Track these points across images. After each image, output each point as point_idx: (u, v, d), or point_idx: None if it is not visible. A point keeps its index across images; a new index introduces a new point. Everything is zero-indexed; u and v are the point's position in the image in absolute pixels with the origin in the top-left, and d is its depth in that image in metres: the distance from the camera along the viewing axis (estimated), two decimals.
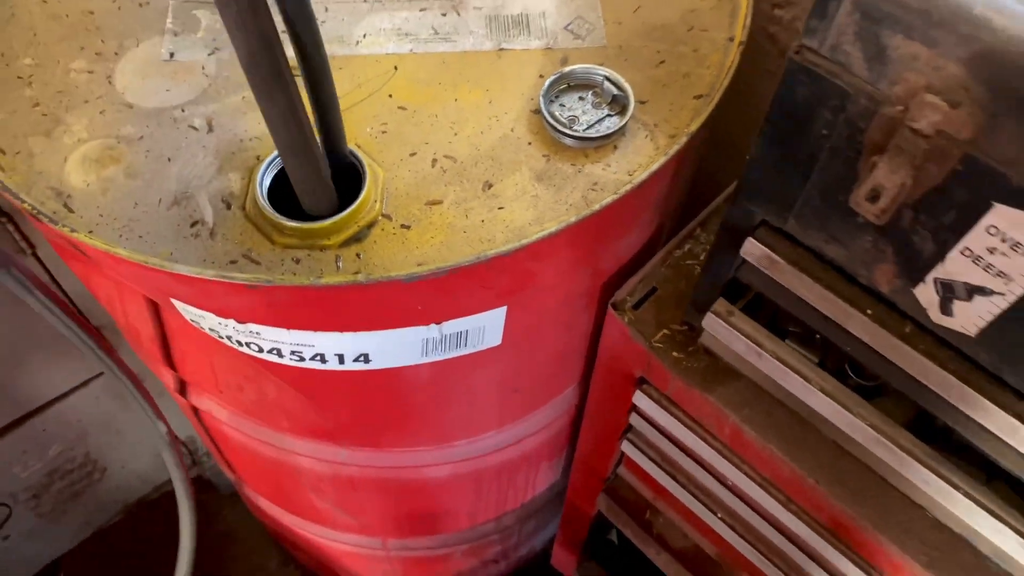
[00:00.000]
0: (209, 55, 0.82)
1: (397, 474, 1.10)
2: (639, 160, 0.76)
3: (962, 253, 0.55)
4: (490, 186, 0.74)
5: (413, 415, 0.95)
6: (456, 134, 0.78)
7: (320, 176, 0.66)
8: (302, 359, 0.79)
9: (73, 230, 0.70)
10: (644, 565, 1.39)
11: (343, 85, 0.81)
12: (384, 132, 0.78)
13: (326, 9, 0.86)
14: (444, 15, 0.86)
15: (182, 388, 1.08)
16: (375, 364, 0.80)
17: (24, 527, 1.60)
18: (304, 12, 0.62)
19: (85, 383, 1.44)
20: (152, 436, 1.68)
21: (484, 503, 1.29)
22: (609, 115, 0.78)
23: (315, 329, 0.75)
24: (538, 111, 0.78)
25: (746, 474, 0.84)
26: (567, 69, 0.79)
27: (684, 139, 0.76)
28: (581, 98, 0.80)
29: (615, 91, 0.78)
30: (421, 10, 0.87)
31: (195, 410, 1.13)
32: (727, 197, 0.95)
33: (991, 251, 0.53)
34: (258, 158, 0.75)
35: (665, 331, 0.84)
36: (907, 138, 0.52)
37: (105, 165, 0.75)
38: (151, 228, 0.71)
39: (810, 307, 0.68)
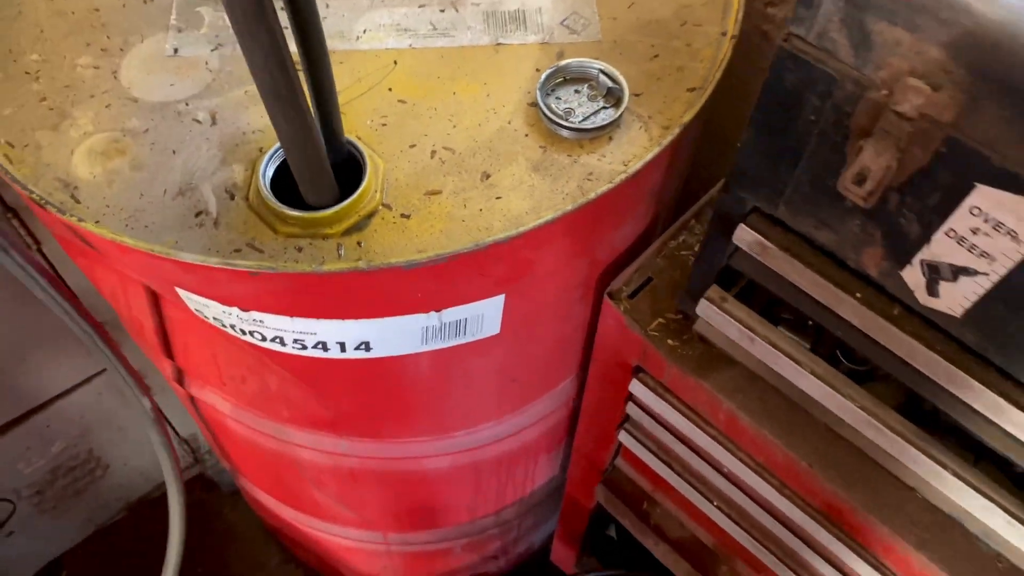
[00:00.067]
0: (212, 51, 0.84)
1: (397, 465, 1.11)
2: (634, 151, 0.78)
3: (947, 234, 0.57)
4: (488, 176, 0.76)
5: (413, 405, 0.96)
6: (455, 126, 0.80)
7: (321, 165, 0.67)
8: (304, 347, 0.81)
9: (80, 219, 0.71)
10: (643, 560, 1.40)
11: (344, 79, 0.83)
12: (384, 125, 0.80)
13: (327, 5, 0.88)
14: (442, 11, 0.88)
15: (184, 381, 1.10)
16: (376, 352, 0.82)
17: (28, 524, 1.61)
18: (308, 6, 0.64)
19: (88, 380, 1.45)
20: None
21: (484, 496, 1.30)
22: (604, 107, 0.80)
23: (317, 317, 0.76)
24: (535, 104, 0.80)
25: (741, 460, 0.86)
26: (563, 63, 0.81)
27: (677, 130, 0.78)
28: (577, 91, 0.81)
29: (610, 84, 0.80)
30: (420, 6, 0.88)
31: (198, 404, 1.14)
32: (721, 188, 0.97)
33: (974, 232, 0.55)
34: (260, 150, 0.77)
35: (660, 320, 0.86)
36: (892, 121, 0.53)
37: (111, 157, 0.76)
38: (156, 218, 0.73)
39: (801, 292, 0.70)
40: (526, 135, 0.79)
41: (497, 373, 0.96)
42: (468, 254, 0.71)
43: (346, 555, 1.55)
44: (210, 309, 0.78)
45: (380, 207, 0.74)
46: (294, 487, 1.27)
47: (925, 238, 0.58)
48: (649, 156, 0.76)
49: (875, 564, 0.80)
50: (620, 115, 0.78)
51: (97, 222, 0.72)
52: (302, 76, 0.66)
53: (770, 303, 0.81)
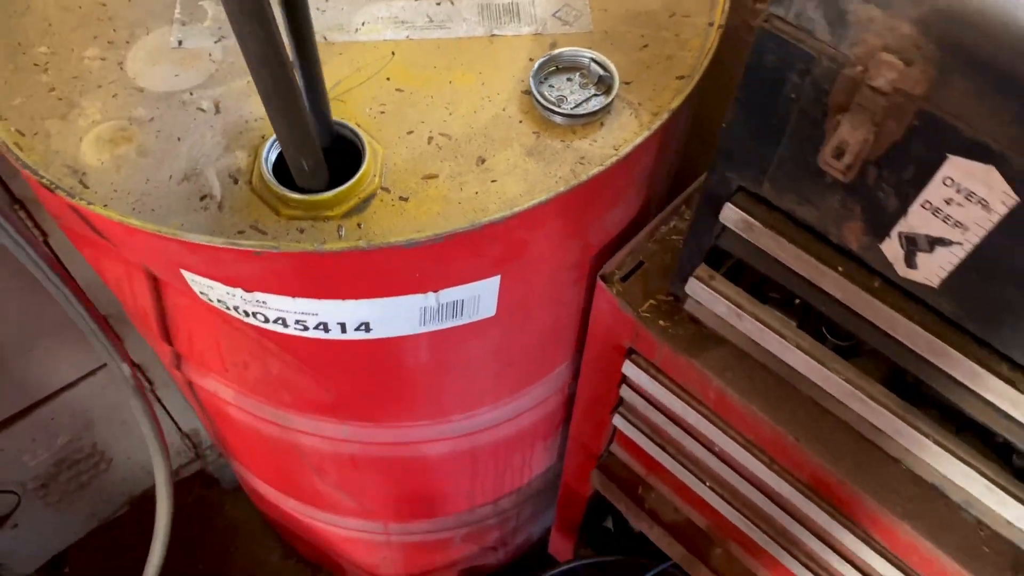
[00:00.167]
0: (216, 43, 0.87)
1: (397, 451, 1.13)
2: (624, 135, 0.80)
3: (922, 206, 0.59)
4: (483, 161, 0.79)
5: (412, 388, 0.99)
6: (451, 114, 0.82)
7: (311, 145, 0.70)
8: (305, 328, 0.83)
9: (89, 203, 0.74)
10: (639, 552, 1.42)
11: (343, 69, 0.85)
12: (383, 112, 0.82)
13: None
14: (438, 4, 0.91)
15: (188, 370, 1.12)
16: (376, 333, 0.84)
17: (32, 517, 1.63)
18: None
19: (92, 372, 1.47)
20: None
21: (482, 484, 1.32)
22: (596, 95, 0.82)
23: (318, 297, 0.78)
24: (528, 92, 0.82)
25: (731, 437, 0.88)
26: (555, 52, 0.84)
27: (666, 115, 0.81)
28: (569, 79, 0.84)
29: (601, 72, 0.83)
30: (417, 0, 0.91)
31: (201, 394, 1.17)
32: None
33: (948, 202, 0.58)
34: (263, 137, 0.79)
35: (652, 301, 0.88)
36: (867, 96, 0.56)
37: (118, 144, 0.79)
38: (162, 202, 0.75)
39: (786, 268, 0.72)
40: (520, 121, 0.82)
41: (494, 356, 0.98)
42: (464, 234, 0.73)
43: (346, 546, 1.57)
44: (214, 291, 0.81)
45: (379, 190, 0.76)
46: (295, 476, 1.29)
47: (902, 210, 0.61)
48: (639, 140, 0.78)
49: (862, 536, 0.82)
50: (611, 102, 0.81)
51: (105, 206, 0.74)
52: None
53: (757, 285, 0.84)
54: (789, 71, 0.60)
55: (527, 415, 1.15)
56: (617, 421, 1.06)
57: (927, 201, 0.59)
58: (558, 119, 0.81)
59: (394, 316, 0.82)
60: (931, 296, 0.64)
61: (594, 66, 0.83)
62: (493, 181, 0.77)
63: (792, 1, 0.57)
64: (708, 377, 0.84)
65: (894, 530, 0.78)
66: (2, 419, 1.42)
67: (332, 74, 0.85)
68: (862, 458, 0.79)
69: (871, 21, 0.54)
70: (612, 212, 0.88)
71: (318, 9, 0.90)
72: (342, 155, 0.78)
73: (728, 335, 0.83)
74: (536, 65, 0.82)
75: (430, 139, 0.80)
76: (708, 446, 0.94)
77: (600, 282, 0.89)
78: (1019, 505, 0.68)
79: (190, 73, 0.84)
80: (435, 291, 0.81)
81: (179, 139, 0.79)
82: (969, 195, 0.56)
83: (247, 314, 0.83)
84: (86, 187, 0.76)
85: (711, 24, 0.89)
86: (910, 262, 0.63)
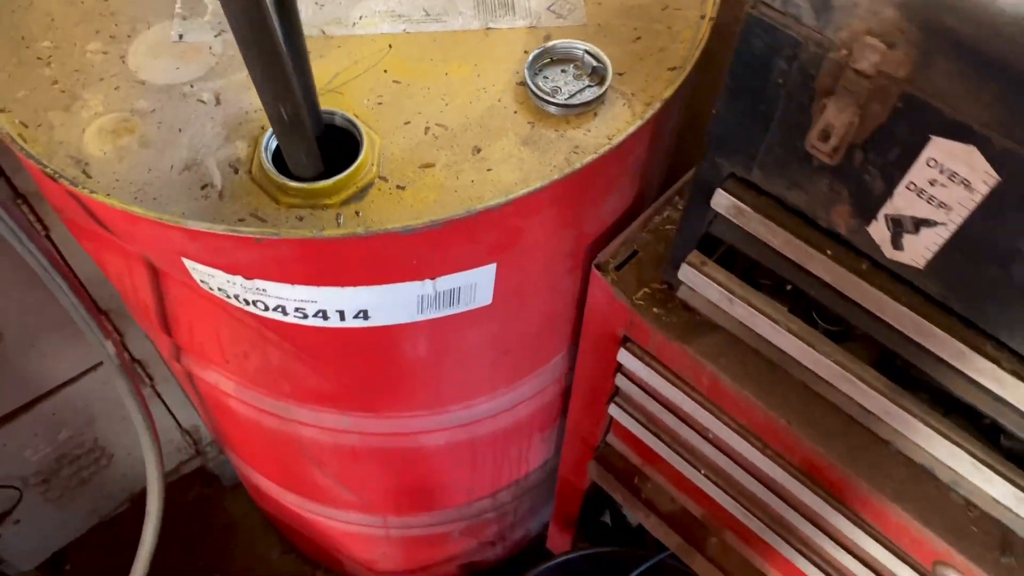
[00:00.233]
0: (216, 36, 0.88)
1: (396, 442, 1.14)
2: (617, 125, 0.82)
3: (907, 188, 0.61)
4: (479, 150, 0.80)
5: (410, 377, 1.00)
6: (447, 104, 0.84)
7: (305, 135, 0.71)
8: (305, 316, 0.84)
9: (92, 192, 0.75)
10: (637, 545, 1.44)
11: (341, 62, 0.87)
12: (380, 104, 0.84)
13: None
14: None
15: (188, 363, 1.13)
16: (374, 321, 0.85)
17: (34, 513, 1.64)
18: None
19: (94, 367, 1.48)
20: (157, 424, 1.72)
21: (480, 476, 1.33)
22: (589, 86, 0.84)
23: (318, 284, 0.80)
24: (523, 83, 0.84)
25: (725, 423, 0.89)
26: (549, 44, 0.85)
27: (659, 105, 0.82)
28: (563, 71, 0.85)
29: (595, 63, 0.84)
30: None
31: (202, 387, 1.18)
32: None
33: (932, 183, 0.59)
34: (262, 128, 0.81)
35: (646, 289, 0.89)
36: (852, 79, 0.57)
37: (120, 135, 0.80)
38: (164, 191, 0.77)
39: (776, 253, 0.73)
40: (515, 112, 0.83)
41: (491, 346, 1.00)
42: (460, 220, 0.75)
43: (346, 541, 1.59)
44: (215, 279, 0.82)
45: (376, 179, 0.78)
46: (295, 469, 1.30)
47: (888, 193, 0.62)
48: (631, 129, 0.80)
49: (854, 519, 0.83)
50: (604, 92, 0.82)
51: (108, 195, 0.76)
52: None
53: (748, 272, 0.85)
54: (776, 57, 0.61)
55: (524, 406, 1.16)
56: (613, 411, 1.07)
57: (912, 182, 0.60)
58: (552, 109, 0.82)
59: (392, 304, 0.83)
60: (918, 277, 0.66)
61: (588, 58, 0.85)
62: (489, 170, 0.79)
63: None
64: (701, 363, 0.86)
65: (885, 512, 0.79)
66: (4, 413, 1.43)
67: (330, 67, 0.86)
68: (853, 441, 0.80)
69: (855, 6, 0.55)
70: (606, 202, 0.90)
71: (317, 4, 0.92)
72: (341, 146, 0.79)
73: (721, 321, 0.84)
74: (531, 57, 0.84)
75: (427, 129, 0.82)
76: (702, 433, 0.95)
77: (595, 270, 0.90)
78: (1005, 482, 0.69)
79: (191, 66, 0.86)
80: (432, 278, 0.82)
81: (180, 130, 0.81)
82: (952, 176, 0.57)
83: (247, 302, 0.84)
84: (89, 177, 0.77)
85: (703, 17, 0.90)
86: (897, 244, 0.65)
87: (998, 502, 0.72)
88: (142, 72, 0.85)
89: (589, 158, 0.78)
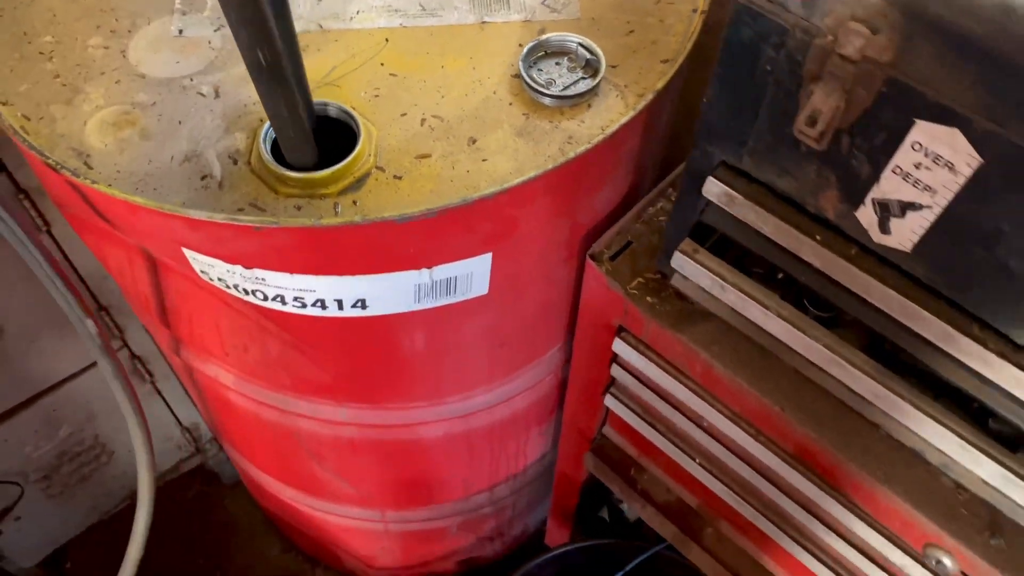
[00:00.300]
0: (215, 31, 0.90)
1: (393, 434, 1.16)
2: (611, 116, 0.83)
3: (893, 171, 0.62)
4: (474, 141, 0.81)
5: (407, 368, 1.01)
6: (443, 97, 0.85)
7: (301, 126, 0.73)
8: (304, 305, 0.85)
9: (94, 182, 0.76)
10: (634, 540, 1.44)
11: (339, 55, 0.88)
12: (377, 96, 0.85)
13: None
14: None
15: (188, 356, 1.14)
16: (372, 310, 0.87)
17: (35, 509, 1.65)
18: None
19: (94, 364, 1.49)
20: (157, 422, 1.74)
21: (477, 470, 1.34)
22: (583, 78, 0.85)
23: (316, 273, 0.81)
24: (518, 75, 0.85)
25: (718, 411, 0.90)
26: (544, 37, 0.86)
27: (651, 96, 0.83)
28: (557, 63, 0.87)
29: (588, 56, 0.86)
30: None
31: (202, 381, 1.19)
32: None
33: (917, 167, 0.60)
34: (261, 120, 0.82)
35: (640, 279, 0.91)
36: (837, 64, 0.59)
37: (121, 128, 0.82)
38: (164, 182, 0.78)
39: (767, 239, 0.75)
40: (510, 104, 0.84)
41: (487, 336, 1.01)
42: (456, 209, 0.76)
43: (345, 536, 1.59)
44: (215, 269, 0.83)
45: (374, 169, 0.79)
46: (294, 463, 1.31)
47: (875, 177, 0.63)
48: (624, 119, 0.81)
49: (846, 504, 0.84)
50: (597, 84, 0.84)
51: (109, 185, 0.77)
52: None
53: (740, 261, 0.86)
54: (764, 44, 0.63)
55: (521, 398, 1.17)
56: (609, 401, 1.08)
57: (897, 166, 0.61)
58: (547, 101, 0.84)
59: (389, 293, 0.85)
60: (905, 261, 0.67)
61: (581, 50, 0.86)
62: (484, 160, 0.80)
63: None
64: (695, 351, 0.87)
65: (876, 495, 0.80)
66: (5, 409, 1.44)
67: (328, 60, 0.88)
68: (844, 426, 0.81)
69: None
70: (600, 192, 0.91)
71: None
72: (338, 137, 0.80)
73: (713, 309, 0.85)
74: (525, 50, 0.85)
75: (423, 121, 0.83)
76: (696, 421, 0.96)
77: (589, 260, 0.91)
78: (993, 463, 0.70)
79: (190, 60, 0.87)
80: (429, 267, 0.83)
81: (180, 122, 0.82)
82: (936, 158, 0.59)
83: (247, 292, 0.85)
84: (91, 168, 0.78)
85: (695, 10, 0.92)
86: (884, 228, 0.66)
87: (987, 483, 0.73)
88: (142, 66, 0.87)
89: (583, 148, 0.79)
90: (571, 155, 0.79)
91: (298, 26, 0.88)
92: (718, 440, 0.96)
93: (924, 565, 0.81)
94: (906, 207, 0.63)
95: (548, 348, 1.13)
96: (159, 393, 1.67)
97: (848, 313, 0.74)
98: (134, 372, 1.58)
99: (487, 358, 1.06)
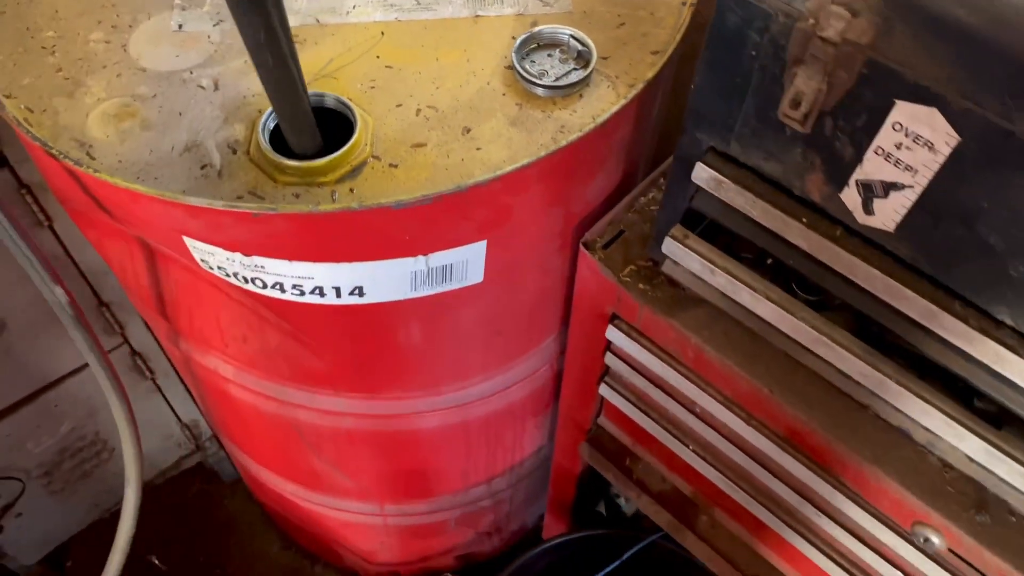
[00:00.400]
0: (214, 26, 0.91)
1: (391, 424, 1.17)
2: (602, 106, 0.85)
3: (875, 152, 0.64)
4: (469, 131, 0.83)
5: (404, 356, 1.03)
6: (438, 88, 0.87)
7: (304, 111, 0.74)
8: (302, 293, 0.87)
9: (96, 171, 0.78)
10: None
11: (335, 48, 0.90)
12: (373, 87, 0.87)
13: None
14: None
15: (188, 349, 1.16)
16: (369, 298, 0.88)
17: (36, 506, 1.66)
18: None
19: None
20: (157, 419, 1.75)
21: (475, 461, 1.36)
22: (575, 69, 0.87)
23: (314, 260, 0.83)
24: (511, 67, 0.87)
25: (711, 395, 0.92)
26: (536, 30, 0.88)
27: (641, 85, 0.85)
28: (549, 55, 0.89)
29: (580, 48, 0.88)
30: None
31: (201, 374, 1.20)
32: None
33: (898, 147, 0.62)
34: (259, 111, 0.84)
35: (632, 267, 0.92)
36: (819, 47, 0.61)
37: (123, 119, 0.83)
38: (165, 171, 0.79)
39: (755, 223, 0.76)
40: (503, 94, 0.86)
41: (483, 325, 1.02)
42: (451, 196, 0.78)
43: (344, 532, 1.61)
44: (215, 257, 0.85)
45: (370, 158, 0.81)
46: (293, 456, 1.33)
47: (858, 158, 0.65)
48: (615, 108, 0.83)
49: (836, 485, 0.86)
50: (589, 74, 0.85)
51: (112, 175, 0.78)
52: None
53: (729, 248, 0.88)
54: (749, 29, 0.64)
55: (517, 388, 1.19)
56: (603, 391, 1.10)
57: (879, 147, 0.63)
58: (539, 91, 0.85)
59: (386, 280, 0.86)
60: (889, 241, 0.68)
61: (573, 42, 0.88)
62: (478, 149, 0.81)
63: None
64: (686, 336, 0.88)
65: (865, 475, 0.82)
66: (7, 405, 1.45)
67: (325, 53, 0.89)
68: (833, 407, 0.83)
69: None
70: (593, 181, 0.93)
71: None
72: (336, 128, 0.82)
73: (704, 294, 0.87)
74: (518, 42, 0.87)
75: (418, 111, 0.85)
76: (689, 407, 0.98)
77: (582, 249, 0.93)
78: (976, 438, 0.72)
79: (190, 54, 0.89)
80: (425, 254, 0.85)
81: (180, 114, 0.84)
82: (916, 138, 0.60)
83: (246, 280, 0.87)
84: (93, 158, 0.80)
85: (684, 3, 0.94)
86: (867, 209, 0.68)
87: (972, 459, 0.75)
88: (143, 60, 0.88)
89: (575, 136, 0.81)
90: (563, 143, 0.81)
91: (295, 20, 0.91)
92: (711, 425, 0.97)
93: (912, 543, 0.82)
94: (888, 187, 0.65)
95: (543, 338, 1.14)
96: (159, 390, 1.69)
97: (835, 296, 0.76)
98: (134, 368, 1.59)
99: (483, 347, 1.08)
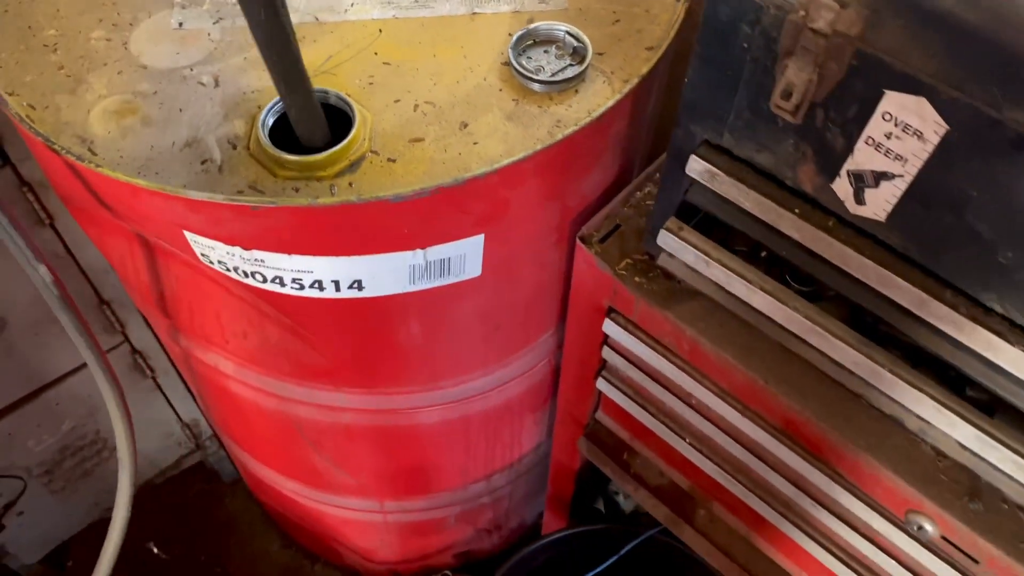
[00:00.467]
0: (214, 24, 0.92)
1: (390, 419, 1.18)
2: (597, 100, 0.86)
3: (866, 142, 0.65)
4: (466, 126, 0.84)
5: (403, 351, 1.04)
6: (435, 84, 0.88)
7: (312, 103, 0.75)
8: (302, 287, 0.88)
9: (98, 166, 0.79)
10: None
11: (334, 46, 0.91)
12: (371, 84, 0.88)
13: None
14: None
15: (188, 346, 1.16)
16: (368, 292, 0.89)
17: (37, 504, 1.67)
18: None
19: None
20: (158, 418, 1.76)
21: (474, 458, 1.37)
22: (571, 64, 0.88)
23: (314, 253, 0.84)
24: (508, 63, 0.88)
25: (706, 387, 0.93)
26: (532, 26, 0.89)
27: (636, 80, 0.86)
28: (546, 51, 0.90)
29: (575, 44, 0.89)
30: None
31: (201, 370, 1.21)
32: None
33: (888, 136, 0.63)
34: (259, 107, 0.85)
35: (628, 260, 0.93)
36: (809, 39, 0.62)
37: (124, 116, 0.84)
38: (166, 166, 0.80)
39: (748, 215, 0.77)
40: (500, 90, 0.87)
41: (481, 320, 1.03)
42: (449, 189, 0.79)
43: (344, 529, 1.61)
44: (215, 252, 0.86)
45: (369, 153, 0.82)
46: (293, 453, 1.33)
47: (849, 148, 0.66)
48: (610, 103, 0.84)
49: (830, 474, 0.87)
50: (584, 70, 0.87)
51: (113, 170, 0.79)
52: None
53: (724, 241, 0.89)
54: (741, 22, 0.65)
55: (516, 383, 1.20)
56: (601, 385, 1.11)
57: (870, 137, 0.64)
58: (536, 87, 0.86)
59: (385, 273, 0.87)
60: (880, 230, 0.69)
61: (569, 38, 0.89)
62: (475, 143, 0.83)
63: None
64: (682, 328, 0.89)
65: (859, 464, 0.82)
66: (8, 403, 1.46)
67: (324, 50, 0.90)
68: (827, 397, 0.84)
69: None
70: (589, 176, 0.94)
71: None
72: (335, 125, 0.83)
73: (699, 286, 0.88)
74: (514, 38, 0.88)
75: (416, 107, 0.86)
76: (685, 399, 0.99)
77: (579, 243, 0.94)
78: (968, 425, 0.73)
79: (190, 51, 0.90)
80: (423, 248, 0.86)
81: (181, 110, 0.85)
82: (906, 127, 0.61)
83: (246, 275, 0.88)
84: (94, 154, 0.81)
85: (678, 0, 0.95)
86: (859, 198, 0.69)
87: (964, 447, 0.76)
88: (144, 57, 0.89)
89: (571, 130, 0.82)
90: (559, 137, 0.82)
91: (295, 18, 0.91)
92: (707, 418, 0.98)
93: (906, 531, 0.83)
94: (879, 177, 0.66)
95: (541, 333, 1.15)
96: (160, 388, 1.69)
97: (828, 286, 0.77)
98: (135, 367, 1.60)
99: (481, 342, 1.08)
